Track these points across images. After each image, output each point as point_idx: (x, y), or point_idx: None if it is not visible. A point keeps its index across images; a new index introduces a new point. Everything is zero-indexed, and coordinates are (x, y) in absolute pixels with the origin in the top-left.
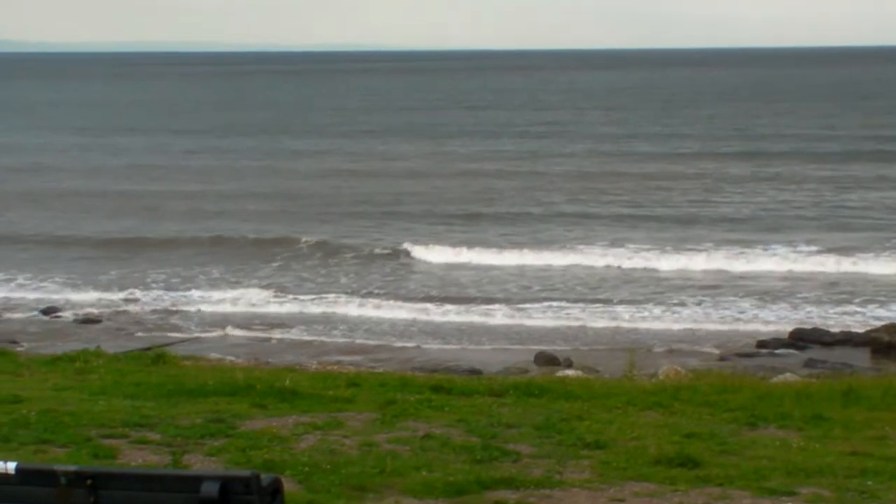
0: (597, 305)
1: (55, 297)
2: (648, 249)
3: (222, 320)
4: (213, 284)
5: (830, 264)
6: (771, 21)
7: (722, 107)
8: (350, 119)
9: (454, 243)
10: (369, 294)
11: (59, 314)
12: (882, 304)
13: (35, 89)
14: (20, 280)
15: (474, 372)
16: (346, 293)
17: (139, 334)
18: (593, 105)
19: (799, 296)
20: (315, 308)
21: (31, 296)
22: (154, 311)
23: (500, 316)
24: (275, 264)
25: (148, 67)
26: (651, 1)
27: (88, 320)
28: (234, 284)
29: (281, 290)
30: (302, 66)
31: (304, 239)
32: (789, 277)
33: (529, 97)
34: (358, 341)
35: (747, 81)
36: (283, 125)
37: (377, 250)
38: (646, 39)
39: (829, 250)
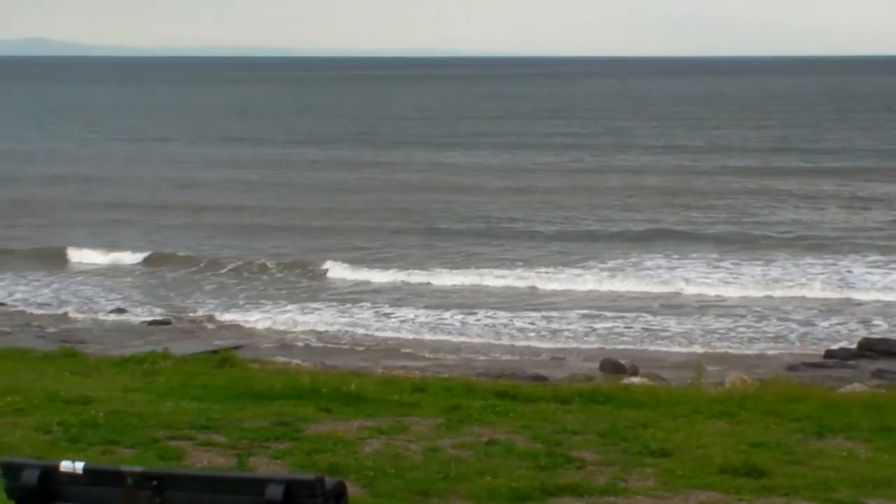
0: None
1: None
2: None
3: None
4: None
5: None
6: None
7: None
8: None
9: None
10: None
11: (128, 315)
12: None
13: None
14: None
15: (539, 378)
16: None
17: (207, 338)
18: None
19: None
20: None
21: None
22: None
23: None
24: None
25: (230, 73)
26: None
27: (157, 322)
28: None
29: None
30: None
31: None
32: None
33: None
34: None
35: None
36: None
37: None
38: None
39: None
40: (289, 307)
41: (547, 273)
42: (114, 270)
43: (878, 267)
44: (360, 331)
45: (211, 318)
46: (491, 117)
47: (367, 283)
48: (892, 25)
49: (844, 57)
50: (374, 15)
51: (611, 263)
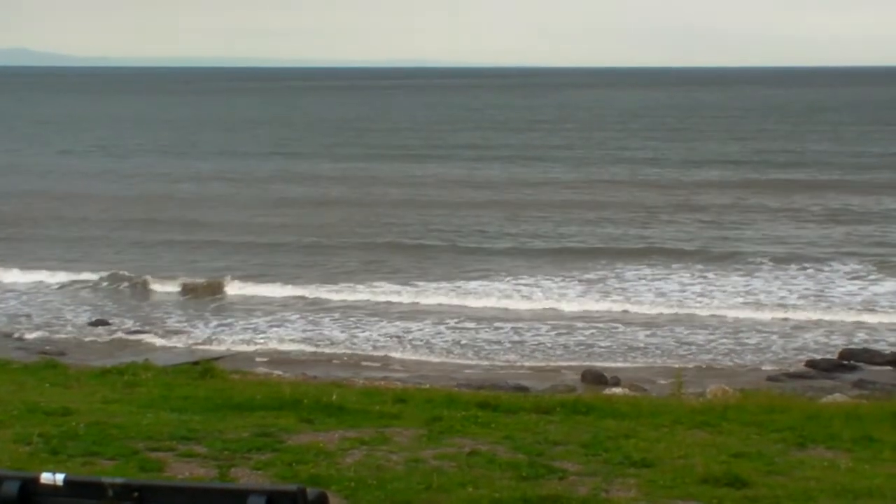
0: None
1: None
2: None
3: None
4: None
5: None
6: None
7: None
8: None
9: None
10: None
11: (108, 326)
12: None
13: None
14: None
15: (521, 389)
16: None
17: (183, 347)
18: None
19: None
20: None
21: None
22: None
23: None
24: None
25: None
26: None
27: (136, 332)
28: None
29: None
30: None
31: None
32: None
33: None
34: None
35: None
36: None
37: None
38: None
39: None
40: (254, 322)
41: (529, 286)
42: (37, 288)
43: (859, 278)
44: (333, 344)
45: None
46: (465, 129)
47: (321, 299)
48: (875, 38)
49: (827, 68)
50: (351, 26)
51: (592, 275)
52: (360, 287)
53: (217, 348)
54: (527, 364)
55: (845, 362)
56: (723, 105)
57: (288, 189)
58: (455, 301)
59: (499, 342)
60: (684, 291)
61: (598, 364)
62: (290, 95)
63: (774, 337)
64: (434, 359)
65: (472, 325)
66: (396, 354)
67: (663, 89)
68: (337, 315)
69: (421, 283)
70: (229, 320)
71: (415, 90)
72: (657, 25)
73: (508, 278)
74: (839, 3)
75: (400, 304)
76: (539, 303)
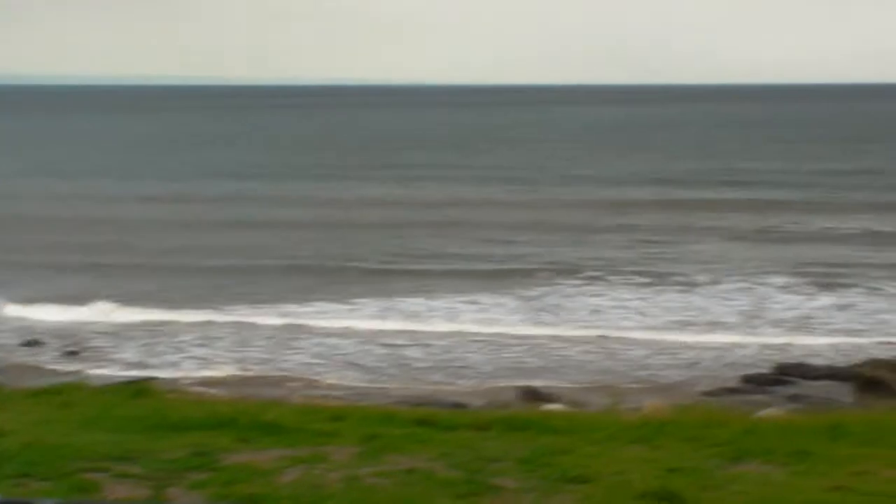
0: None
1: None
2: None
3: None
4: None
5: None
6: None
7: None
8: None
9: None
10: None
11: (42, 346)
12: None
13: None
14: None
15: (458, 406)
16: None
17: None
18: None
19: None
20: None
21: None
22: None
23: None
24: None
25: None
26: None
27: (71, 352)
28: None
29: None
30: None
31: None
32: None
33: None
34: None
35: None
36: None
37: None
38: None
39: None
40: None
41: (464, 305)
42: None
43: (794, 294)
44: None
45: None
46: (406, 147)
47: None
48: (819, 57)
49: (774, 85)
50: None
51: (528, 294)
52: (291, 307)
53: (146, 373)
54: (463, 382)
55: (781, 377)
56: (666, 121)
57: (218, 210)
58: (387, 322)
59: (434, 361)
60: (621, 309)
61: (535, 381)
62: (218, 114)
63: (711, 353)
64: (366, 376)
65: (403, 342)
66: (328, 374)
67: (610, 106)
68: (266, 336)
69: (351, 304)
70: (157, 343)
71: (354, 108)
72: (605, 43)
73: (442, 298)
74: (791, 23)
75: (328, 324)
76: (474, 321)
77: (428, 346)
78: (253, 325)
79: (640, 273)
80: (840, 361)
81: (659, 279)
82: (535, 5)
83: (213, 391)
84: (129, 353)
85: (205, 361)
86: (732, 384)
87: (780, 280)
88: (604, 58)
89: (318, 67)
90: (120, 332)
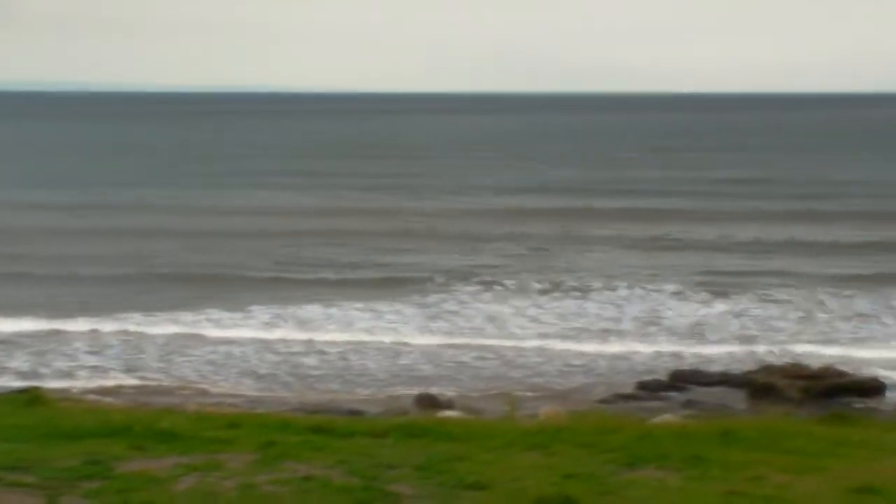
0: None
1: None
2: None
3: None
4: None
5: None
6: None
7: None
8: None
9: None
10: None
11: None
12: None
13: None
14: None
15: (355, 413)
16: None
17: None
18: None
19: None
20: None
21: None
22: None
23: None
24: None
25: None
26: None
27: None
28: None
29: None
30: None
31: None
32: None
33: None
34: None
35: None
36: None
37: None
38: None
39: None
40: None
41: (357, 312)
42: None
43: (688, 302)
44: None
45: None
46: (291, 156)
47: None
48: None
49: (683, 95)
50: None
51: (422, 302)
52: (183, 315)
53: (37, 382)
54: (360, 389)
55: (675, 383)
56: (564, 131)
57: (108, 219)
58: (282, 330)
59: (330, 368)
60: (516, 316)
61: (432, 388)
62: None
63: (606, 359)
64: (261, 384)
65: (299, 350)
66: (223, 382)
67: (508, 115)
68: (159, 345)
69: (245, 312)
70: (47, 352)
71: (244, 115)
72: (513, 52)
73: (337, 306)
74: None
75: (222, 333)
76: (370, 329)
77: (324, 353)
78: (145, 334)
79: (534, 281)
80: (733, 368)
81: (553, 287)
82: (443, 15)
83: (106, 399)
84: (19, 363)
85: (97, 370)
86: (627, 391)
87: (673, 287)
88: (511, 67)
89: (204, 75)
90: (8, 341)
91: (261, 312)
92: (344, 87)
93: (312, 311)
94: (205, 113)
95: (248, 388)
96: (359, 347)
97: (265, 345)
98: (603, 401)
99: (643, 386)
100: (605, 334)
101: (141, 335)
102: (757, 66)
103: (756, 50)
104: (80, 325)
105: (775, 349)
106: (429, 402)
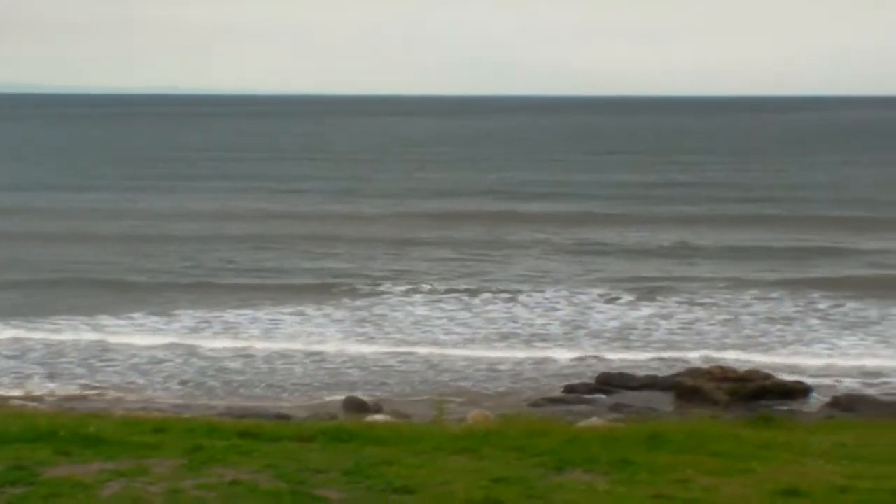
0: None
1: None
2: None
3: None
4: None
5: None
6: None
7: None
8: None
9: None
10: None
11: None
12: None
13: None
14: None
15: (282, 417)
16: None
17: None
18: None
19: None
20: None
21: None
22: None
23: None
24: None
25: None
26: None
27: None
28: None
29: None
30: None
31: None
32: None
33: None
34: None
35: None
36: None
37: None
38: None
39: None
40: None
41: (283, 318)
42: None
43: (614, 305)
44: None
45: None
46: (234, 158)
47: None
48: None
49: (629, 98)
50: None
51: (350, 305)
52: (107, 320)
53: None
54: (287, 394)
55: (602, 387)
56: (500, 133)
57: (28, 222)
58: (208, 335)
59: (257, 373)
60: (444, 320)
61: (360, 392)
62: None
63: (534, 363)
64: (187, 390)
65: (226, 355)
66: (149, 387)
67: (447, 118)
68: (82, 349)
69: (170, 317)
70: None
71: (164, 118)
72: (463, 54)
73: (263, 310)
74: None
75: (146, 338)
76: (297, 334)
77: (251, 357)
78: (67, 340)
79: (462, 284)
80: (661, 371)
81: (481, 290)
82: (391, 16)
83: (31, 404)
84: None
85: (20, 376)
86: (555, 394)
87: (600, 291)
88: (460, 68)
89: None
90: None
91: (187, 317)
92: (291, 89)
93: (240, 315)
94: (143, 115)
95: (174, 394)
96: (286, 352)
97: (191, 350)
98: (530, 404)
99: (571, 389)
100: (532, 338)
101: (63, 341)
102: (718, 70)
103: (722, 52)
104: (0, 331)
105: (702, 353)
106: (357, 407)
